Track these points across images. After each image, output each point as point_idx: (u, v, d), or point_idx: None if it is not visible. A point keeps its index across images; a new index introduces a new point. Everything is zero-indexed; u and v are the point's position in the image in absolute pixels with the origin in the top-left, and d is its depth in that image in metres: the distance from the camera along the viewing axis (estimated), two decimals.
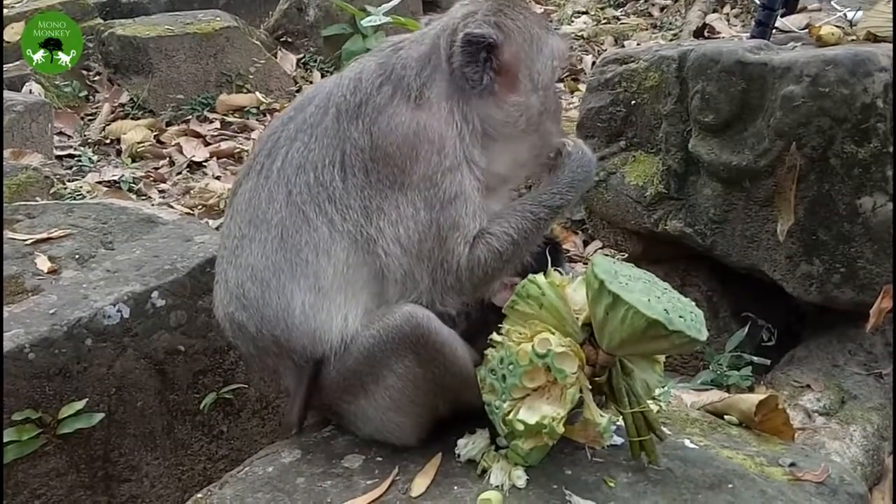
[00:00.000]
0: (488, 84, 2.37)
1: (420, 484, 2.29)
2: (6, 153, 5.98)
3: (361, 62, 2.50)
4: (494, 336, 2.31)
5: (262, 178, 2.44)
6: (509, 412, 2.25)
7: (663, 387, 3.37)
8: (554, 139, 2.53)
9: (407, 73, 2.39)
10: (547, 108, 2.48)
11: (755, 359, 4.13)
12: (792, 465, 2.48)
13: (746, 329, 4.19)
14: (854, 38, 4.26)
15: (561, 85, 2.71)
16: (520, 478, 2.27)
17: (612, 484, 2.29)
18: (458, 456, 2.38)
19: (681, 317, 2.15)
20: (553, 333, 2.23)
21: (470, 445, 2.38)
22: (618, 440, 2.48)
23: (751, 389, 3.91)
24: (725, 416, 2.80)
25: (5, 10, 8.73)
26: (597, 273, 2.18)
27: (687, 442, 2.55)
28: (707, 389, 3.79)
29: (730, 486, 2.31)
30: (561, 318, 2.27)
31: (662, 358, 2.39)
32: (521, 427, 2.22)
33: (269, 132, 2.54)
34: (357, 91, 2.39)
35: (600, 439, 2.30)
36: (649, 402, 2.39)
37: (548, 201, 2.40)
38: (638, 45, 8.71)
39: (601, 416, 2.26)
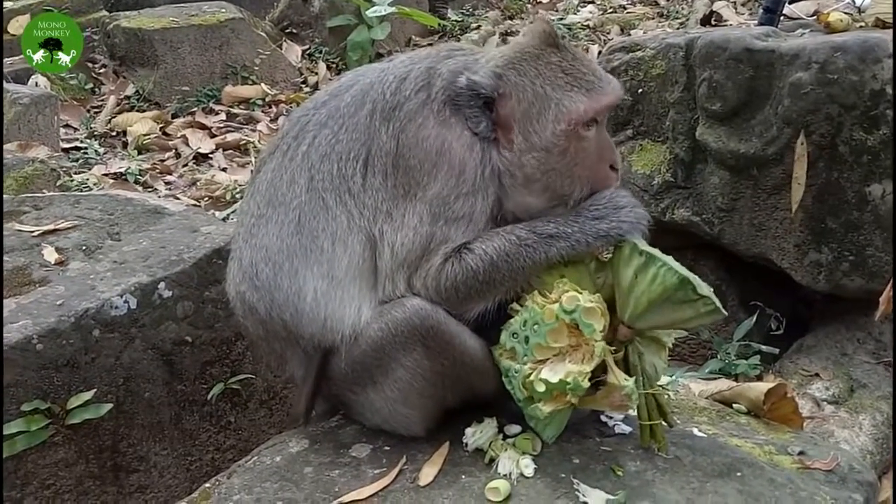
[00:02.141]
0: (485, 131, 2.33)
1: (428, 473, 2.29)
2: (13, 146, 5.99)
3: (413, 63, 2.43)
4: (514, 305, 2.31)
5: (286, 160, 2.43)
6: (530, 374, 2.24)
7: (671, 376, 3.37)
8: (571, 199, 2.37)
9: (437, 82, 2.36)
10: (552, 168, 2.33)
11: (763, 348, 4.12)
12: (801, 453, 2.47)
13: (754, 318, 4.18)
14: (862, 24, 4.25)
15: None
16: (528, 466, 2.27)
17: (620, 472, 2.28)
18: (466, 445, 2.38)
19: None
20: (580, 293, 2.24)
21: (478, 434, 2.38)
22: (626, 429, 2.48)
23: (759, 378, 3.90)
24: (734, 405, 2.80)
25: (10, 4, 8.74)
26: (628, 239, 2.25)
27: (695, 430, 2.54)
28: (715, 378, 3.77)
29: (738, 474, 2.30)
30: (585, 279, 2.29)
31: (670, 342, 2.38)
32: (542, 388, 2.21)
33: (300, 113, 2.51)
34: (398, 92, 2.36)
35: (627, 402, 2.25)
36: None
37: (540, 228, 2.28)
38: (644, 34, 8.67)
39: (626, 379, 2.23)
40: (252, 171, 2.62)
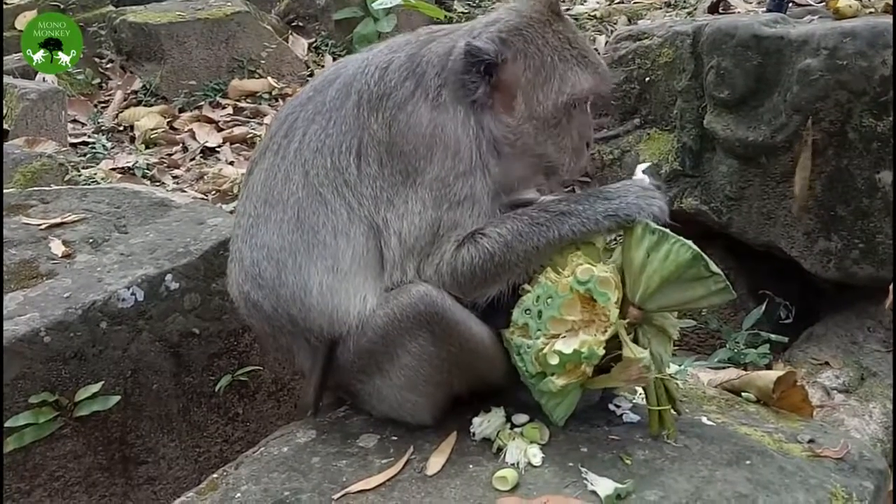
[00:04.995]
0: (482, 97, 2.33)
1: (435, 463, 2.29)
2: (21, 141, 6.01)
3: (392, 51, 2.44)
4: (525, 286, 2.32)
5: (278, 159, 2.44)
6: (543, 348, 2.24)
7: (679, 365, 3.35)
8: (562, 167, 2.46)
9: (429, 70, 2.36)
10: (548, 138, 2.39)
11: (773, 336, 4.10)
12: (811, 441, 2.46)
13: (763, 307, 4.16)
14: (872, 10, 4.20)
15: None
16: (535, 455, 2.27)
17: (628, 461, 2.27)
18: (474, 434, 2.38)
19: None
20: (594, 265, 2.25)
21: (485, 424, 2.37)
22: (634, 417, 2.47)
23: (768, 367, 3.87)
24: (743, 394, 2.78)
25: (14, 0, 8.77)
26: (638, 220, 2.26)
27: (704, 419, 2.53)
28: (724, 367, 3.76)
29: (748, 462, 2.29)
30: (598, 256, 2.30)
31: (675, 335, 2.37)
32: (556, 360, 2.22)
33: (287, 112, 2.52)
34: (381, 82, 2.36)
35: (645, 374, 2.25)
36: None
37: (552, 207, 2.32)
38: (651, 23, 8.62)
39: (640, 351, 2.24)
40: (245, 172, 2.62)
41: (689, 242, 2.22)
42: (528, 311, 2.28)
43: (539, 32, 2.36)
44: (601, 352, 2.20)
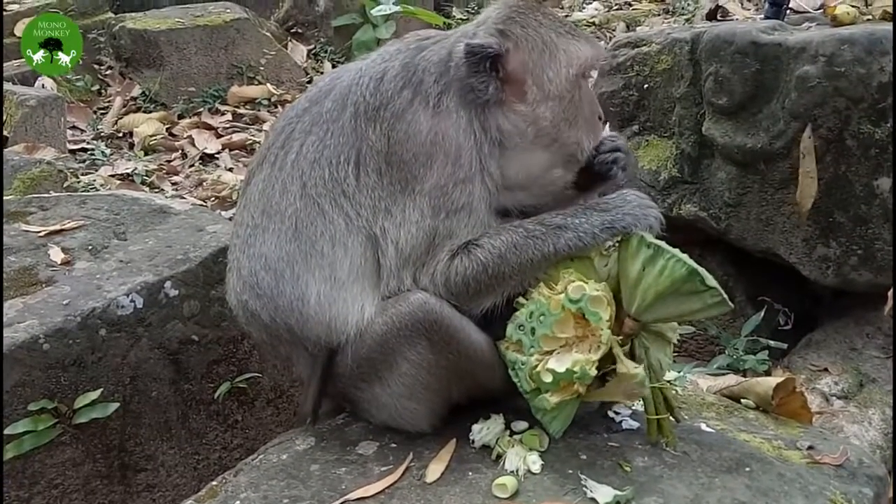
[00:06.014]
0: (494, 94, 2.32)
1: (435, 470, 2.28)
2: (20, 147, 6.01)
3: (385, 60, 2.44)
4: (520, 299, 2.31)
5: (275, 170, 2.44)
6: (537, 366, 2.24)
7: (678, 372, 3.36)
8: (580, 149, 2.43)
9: (426, 78, 2.36)
10: (564, 117, 2.38)
11: (771, 343, 4.10)
12: (810, 447, 2.46)
13: (762, 313, 4.16)
14: (870, 17, 4.21)
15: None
16: (535, 463, 2.26)
17: (627, 468, 2.27)
18: (473, 441, 2.37)
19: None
20: (586, 282, 2.24)
21: (485, 431, 2.37)
22: (633, 424, 2.47)
23: (767, 374, 3.88)
24: (742, 400, 2.78)
25: (15, 6, 8.78)
26: (634, 232, 2.25)
27: (703, 426, 2.53)
28: (723, 374, 3.76)
29: (747, 469, 2.29)
30: (591, 273, 2.29)
31: (675, 339, 2.37)
32: (549, 378, 2.21)
33: (283, 123, 2.52)
34: (377, 93, 2.36)
35: (640, 390, 2.25)
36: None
37: (548, 220, 2.30)
38: (650, 29, 8.63)
39: (635, 367, 2.23)
40: (242, 181, 2.63)
41: (685, 257, 2.20)
42: (521, 328, 2.28)
43: (531, 16, 2.39)
44: (593, 372, 2.20)
